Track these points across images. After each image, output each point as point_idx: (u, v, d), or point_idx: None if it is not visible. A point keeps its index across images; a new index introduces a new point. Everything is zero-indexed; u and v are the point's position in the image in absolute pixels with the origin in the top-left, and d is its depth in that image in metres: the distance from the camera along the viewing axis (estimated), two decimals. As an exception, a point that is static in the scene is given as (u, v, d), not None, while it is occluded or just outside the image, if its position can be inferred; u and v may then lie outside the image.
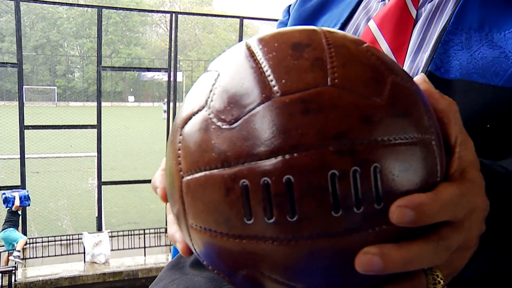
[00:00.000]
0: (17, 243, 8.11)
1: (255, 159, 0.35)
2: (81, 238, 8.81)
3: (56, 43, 46.74)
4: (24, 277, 7.98)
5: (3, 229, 8.18)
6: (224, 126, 0.37)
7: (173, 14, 6.46)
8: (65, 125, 6.19)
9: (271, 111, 0.36)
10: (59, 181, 14.23)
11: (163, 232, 10.14)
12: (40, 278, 8.01)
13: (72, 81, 45.53)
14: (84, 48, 46.52)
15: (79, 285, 8.12)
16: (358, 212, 0.35)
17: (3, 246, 8.32)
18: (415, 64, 0.72)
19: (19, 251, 8.06)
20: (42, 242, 9.03)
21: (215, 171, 0.37)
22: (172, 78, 7.77)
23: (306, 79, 0.37)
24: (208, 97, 0.39)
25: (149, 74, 44.07)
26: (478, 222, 0.42)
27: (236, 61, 0.40)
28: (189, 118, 0.40)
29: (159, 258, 9.07)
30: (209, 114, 0.38)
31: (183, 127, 0.40)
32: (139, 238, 9.43)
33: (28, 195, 8.47)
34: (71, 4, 6.91)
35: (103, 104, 8.50)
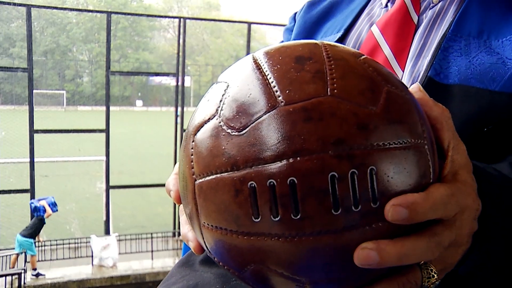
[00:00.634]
0: (26, 251, 8.17)
1: (262, 163, 0.39)
2: (89, 242, 8.87)
3: (66, 48, 47.09)
4: (33, 280, 8.05)
5: (24, 235, 8.20)
6: (233, 133, 0.40)
7: (182, 20, 6.51)
8: (74, 129, 6.25)
9: (276, 119, 0.39)
10: (67, 184, 14.33)
11: (170, 236, 10.17)
12: (49, 281, 8.07)
13: (81, 85, 45.83)
14: (93, 53, 46.85)
15: (87, 288, 8.17)
16: (356, 211, 0.38)
17: (13, 248, 8.38)
18: (416, 69, 0.75)
19: (35, 269, 8.16)
20: (51, 245, 9.11)
21: (225, 174, 0.40)
22: (180, 83, 7.82)
23: (308, 89, 0.40)
24: (219, 107, 0.42)
25: (157, 79, 44.31)
26: (469, 220, 0.44)
27: (244, 73, 0.44)
28: (201, 126, 0.43)
29: (166, 261, 9.09)
30: (220, 122, 0.41)
31: (195, 134, 0.43)
32: (147, 242, 9.47)
33: (54, 201, 8.54)
34: (80, 10, 6.98)
35: (111, 108, 8.56)
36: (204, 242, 0.44)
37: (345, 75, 0.42)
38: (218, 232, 0.41)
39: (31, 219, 8.66)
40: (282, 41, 1.03)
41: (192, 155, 0.43)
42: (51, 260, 8.88)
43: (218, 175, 0.40)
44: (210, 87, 0.48)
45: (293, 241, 0.38)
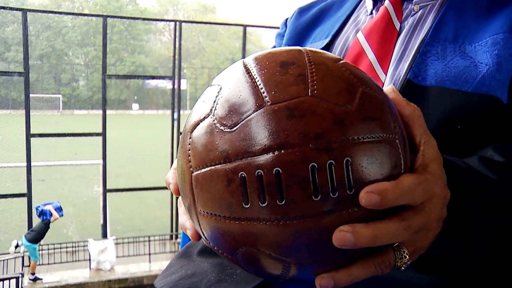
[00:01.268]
0: (29, 256, 8.17)
1: (251, 156, 0.44)
2: (87, 245, 8.87)
3: (61, 52, 47.05)
4: (30, 284, 8.04)
5: (28, 239, 8.18)
6: (225, 130, 0.46)
7: (177, 23, 6.54)
8: (71, 133, 6.25)
9: (264, 117, 0.45)
10: (64, 188, 14.31)
11: (168, 239, 10.18)
12: (46, 286, 8.07)
13: (77, 89, 45.78)
14: (89, 57, 46.81)
15: (85, 292, 8.16)
16: (333, 197, 0.43)
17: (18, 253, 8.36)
18: (397, 72, 0.81)
19: (33, 274, 8.15)
20: (48, 249, 9.09)
21: (219, 166, 0.45)
22: (176, 86, 7.84)
23: (291, 91, 0.45)
24: (213, 107, 0.48)
25: (153, 82, 44.29)
26: (437, 207, 0.49)
27: (235, 77, 0.49)
28: (197, 124, 0.48)
29: (164, 264, 9.07)
30: (214, 121, 0.47)
31: (192, 131, 0.49)
32: (144, 245, 9.47)
33: (60, 206, 8.54)
34: (76, 14, 6.99)
35: (107, 112, 8.57)
36: (201, 229, 0.49)
37: (324, 78, 0.47)
38: (213, 219, 0.46)
39: (28, 223, 8.65)
40: (274, 46, 1.09)
41: (189, 150, 0.48)
42: (48, 264, 8.87)
43: (213, 167, 0.46)
44: (205, 89, 0.52)
45: (279, 224, 0.43)
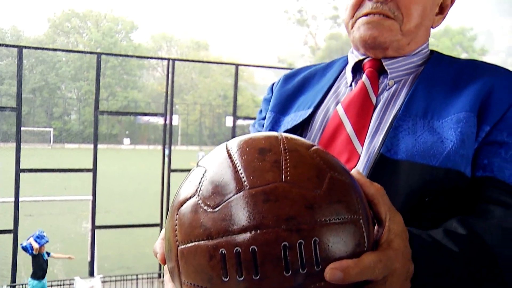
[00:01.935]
0: None
1: (230, 234, 0.49)
2: (73, 284, 8.65)
3: (54, 86, 47.18)
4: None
5: (33, 278, 7.98)
6: (209, 210, 0.51)
7: (170, 61, 6.61)
8: (61, 169, 6.20)
9: (242, 200, 0.50)
10: (52, 224, 14.07)
11: (156, 277, 9.97)
12: (29, 325, 7.81)
13: (69, 123, 45.70)
14: (82, 91, 46.98)
15: (69, 333, 7.91)
16: (302, 273, 0.48)
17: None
18: (372, 145, 0.88)
19: None
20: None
21: (202, 242, 0.51)
22: (168, 122, 7.86)
23: (267, 176, 0.51)
24: (198, 188, 0.54)
25: (145, 117, 44.41)
26: (398, 281, 0.55)
27: (219, 160, 0.55)
28: (184, 202, 0.54)
29: (152, 304, 8.88)
30: (198, 201, 0.52)
31: (179, 208, 0.54)
32: (132, 283, 9.26)
33: (40, 234, 8.37)
34: (71, 51, 7.06)
35: (98, 146, 8.54)
36: None
37: (297, 165, 0.53)
38: None
39: (13, 261, 8.45)
40: (261, 111, 1.16)
41: (176, 225, 0.54)
42: (32, 303, 8.60)
43: (196, 243, 0.51)
44: (192, 169, 0.59)
45: None
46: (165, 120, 6.36)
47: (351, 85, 1.00)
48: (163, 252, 0.60)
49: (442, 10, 1.02)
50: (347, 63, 1.06)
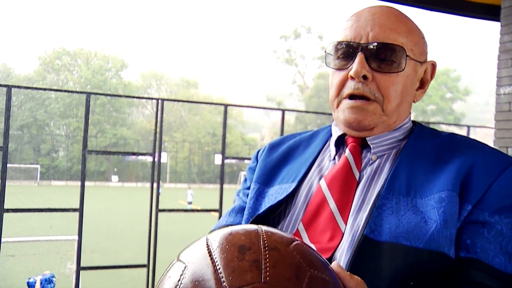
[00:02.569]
0: None
1: None
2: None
3: (43, 123, 47.04)
4: None
5: None
6: None
7: (159, 100, 6.65)
8: (46, 208, 6.09)
9: None
10: (35, 265, 13.73)
11: (141, 320, 9.69)
12: None
13: (56, 159, 45.33)
14: (70, 128, 46.85)
15: None
16: None
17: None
18: (356, 223, 0.87)
19: None
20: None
21: None
22: (156, 160, 7.82)
23: (246, 277, 0.52)
24: (177, 285, 0.54)
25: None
26: None
27: (199, 257, 0.56)
28: None
29: None
30: None
31: None
32: (116, 326, 9.00)
33: (50, 278, 8.14)
34: (60, 90, 7.09)
35: (86, 183, 8.45)
36: None
37: (276, 264, 0.53)
38: None
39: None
40: (246, 179, 1.16)
41: None
42: None
43: None
44: (171, 263, 0.59)
45: None
46: (153, 160, 6.34)
47: (334, 158, 1.01)
48: None
49: (423, 85, 1.04)
50: (331, 134, 1.07)
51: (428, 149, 0.94)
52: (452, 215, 0.82)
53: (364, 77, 0.93)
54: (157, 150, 7.42)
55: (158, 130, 7.49)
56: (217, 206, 6.39)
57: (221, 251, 0.55)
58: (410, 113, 1.03)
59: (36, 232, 15.01)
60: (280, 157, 1.10)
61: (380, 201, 0.86)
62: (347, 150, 0.98)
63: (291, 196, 1.00)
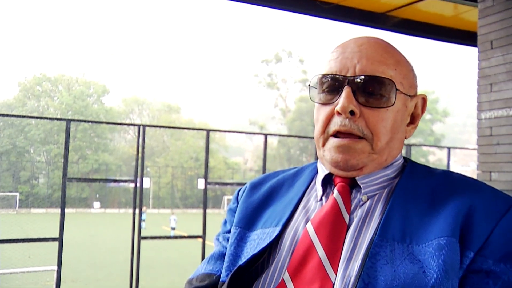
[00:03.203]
0: None
1: None
2: None
3: (23, 149, 46.31)
4: None
5: None
6: None
7: (141, 126, 6.61)
8: (24, 238, 5.96)
9: None
10: (13, 297, 13.34)
11: None
12: None
13: (36, 187, 44.50)
14: (51, 154, 46.20)
15: None
16: None
17: None
18: (347, 273, 0.79)
19: None
20: None
21: None
22: (138, 186, 7.73)
23: None
24: None
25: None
26: None
27: None
28: None
29: None
30: None
31: None
32: None
33: None
34: (40, 117, 7.00)
35: (67, 210, 8.29)
36: None
37: None
38: None
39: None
40: (225, 222, 1.06)
41: None
42: None
43: None
44: None
45: None
46: (135, 186, 6.26)
47: (321, 199, 0.94)
48: None
49: (414, 120, 0.99)
50: (317, 171, 1.00)
51: (422, 189, 0.87)
52: (453, 264, 0.75)
53: (352, 112, 0.87)
54: (139, 176, 7.34)
55: (140, 155, 7.42)
56: (200, 232, 6.31)
57: None
58: (401, 150, 0.97)
59: (14, 263, 14.61)
60: (262, 198, 1.02)
61: (374, 250, 0.78)
62: (335, 191, 0.90)
63: (275, 242, 0.91)
